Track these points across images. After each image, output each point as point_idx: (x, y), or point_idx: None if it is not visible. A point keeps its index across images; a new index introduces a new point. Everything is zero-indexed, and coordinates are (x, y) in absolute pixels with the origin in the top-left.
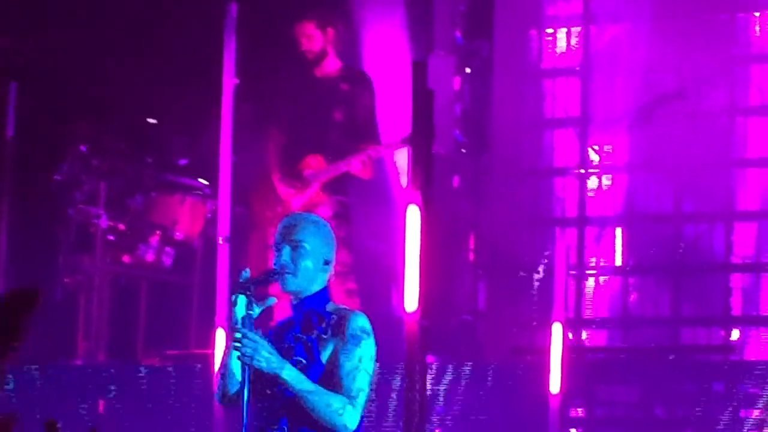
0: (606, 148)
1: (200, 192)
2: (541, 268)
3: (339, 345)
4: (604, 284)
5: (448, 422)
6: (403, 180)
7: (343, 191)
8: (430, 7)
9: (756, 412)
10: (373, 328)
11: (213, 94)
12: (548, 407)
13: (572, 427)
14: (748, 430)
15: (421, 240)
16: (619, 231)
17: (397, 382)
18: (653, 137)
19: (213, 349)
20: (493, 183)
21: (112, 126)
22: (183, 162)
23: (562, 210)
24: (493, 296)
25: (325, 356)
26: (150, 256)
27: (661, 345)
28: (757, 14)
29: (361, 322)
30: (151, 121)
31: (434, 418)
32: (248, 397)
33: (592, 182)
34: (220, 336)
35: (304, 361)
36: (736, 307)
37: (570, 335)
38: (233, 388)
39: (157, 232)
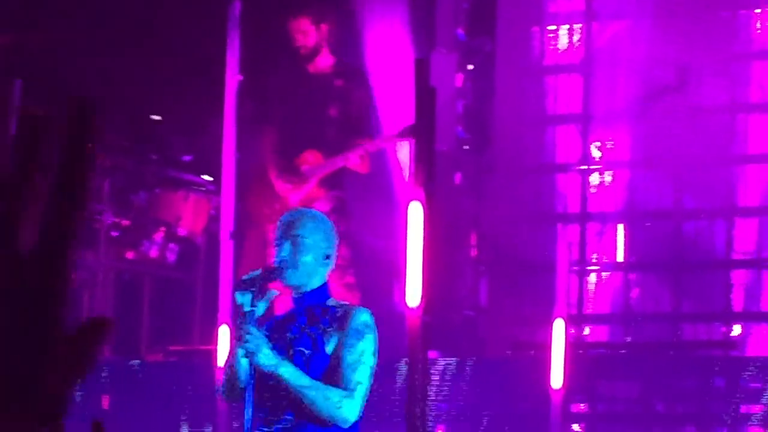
0: (608, 144)
1: (204, 188)
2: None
3: (343, 338)
4: (606, 280)
5: (449, 417)
6: (406, 176)
7: (340, 186)
8: (432, 4)
9: (757, 408)
10: (376, 324)
11: (216, 91)
12: (550, 402)
13: (574, 423)
14: (749, 425)
15: (424, 236)
16: (620, 227)
17: (399, 377)
18: (654, 134)
19: (216, 344)
20: (495, 179)
21: (115, 123)
22: (186, 158)
23: (564, 206)
24: (495, 292)
25: (329, 348)
26: (154, 252)
27: (662, 341)
28: (758, 11)
29: (364, 317)
30: (155, 117)
31: (436, 414)
32: (253, 391)
33: (594, 179)
34: (224, 332)
35: (308, 352)
36: (737, 303)
37: (572, 331)
38: (241, 385)
39: (161, 228)
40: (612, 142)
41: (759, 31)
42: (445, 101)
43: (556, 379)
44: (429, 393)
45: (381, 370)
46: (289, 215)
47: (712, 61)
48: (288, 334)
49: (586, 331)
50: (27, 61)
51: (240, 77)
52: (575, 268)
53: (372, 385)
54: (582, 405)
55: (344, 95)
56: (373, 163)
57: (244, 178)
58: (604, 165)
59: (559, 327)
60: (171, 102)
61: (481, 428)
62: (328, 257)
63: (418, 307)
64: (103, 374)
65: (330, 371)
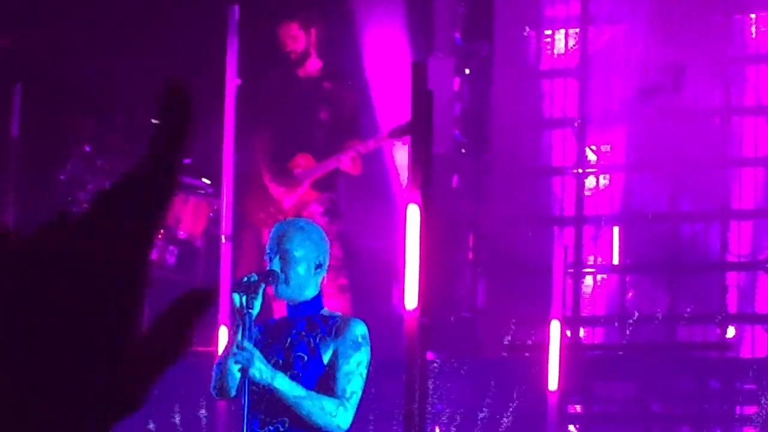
0: (603, 147)
1: (203, 191)
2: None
3: (339, 348)
4: (602, 282)
5: (447, 419)
6: (403, 179)
7: (332, 188)
8: (429, 8)
9: (752, 409)
10: (374, 326)
11: (215, 94)
12: (546, 404)
13: (570, 424)
14: (744, 426)
15: (421, 238)
16: (616, 230)
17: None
18: (650, 137)
19: (216, 346)
20: (492, 182)
21: (115, 126)
22: (186, 161)
23: (561, 209)
24: (492, 294)
25: (326, 357)
26: (153, 255)
27: (657, 342)
28: (752, 16)
29: (362, 330)
30: (155, 121)
31: (434, 414)
32: (249, 397)
33: (590, 181)
34: (223, 333)
35: (305, 357)
36: (732, 305)
37: (568, 333)
38: (233, 386)
39: (161, 231)
40: (608, 146)
41: (754, 36)
42: (442, 104)
43: (553, 380)
44: (427, 393)
45: (380, 370)
46: (277, 229)
47: (707, 65)
48: (287, 339)
49: (582, 332)
50: (27, 63)
51: (239, 81)
52: (571, 270)
53: (369, 387)
54: (578, 406)
55: (333, 97)
56: (371, 166)
57: (241, 181)
58: (600, 168)
59: (555, 328)
60: None
61: (478, 429)
62: (319, 266)
63: (415, 309)
64: None
65: (325, 379)
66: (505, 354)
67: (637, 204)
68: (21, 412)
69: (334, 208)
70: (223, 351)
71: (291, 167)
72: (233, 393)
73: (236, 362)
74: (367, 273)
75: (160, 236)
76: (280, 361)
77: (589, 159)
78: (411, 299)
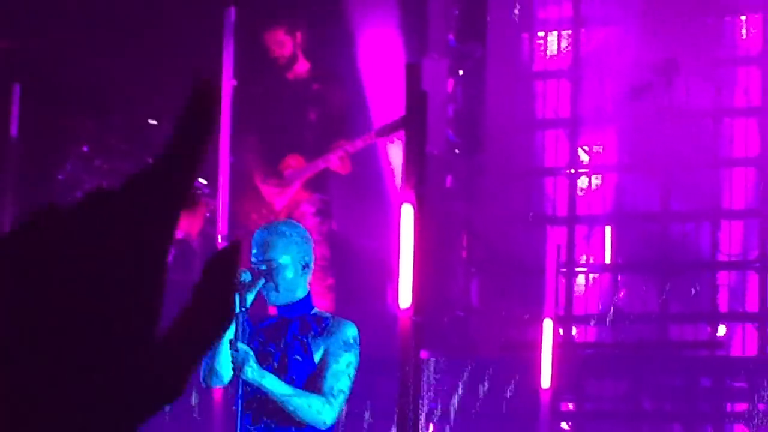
0: (595, 148)
1: (199, 191)
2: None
3: (330, 347)
4: (594, 281)
5: (440, 416)
6: (397, 179)
7: (323, 188)
8: (424, 10)
9: (741, 406)
10: (369, 324)
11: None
12: (539, 401)
13: (563, 421)
14: (734, 423)
15: (415, 238)
16: (608, 229)
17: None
18: (642, 138)
19: None
20: (486, 182)
21: (113, 127)
22: None
23: (553, 209)
24: (486, 293)
25: (317, 357)
26: None
27: (649, 341)
28: (743, 18)
29: (353, 332)
30: (152, 122)
31: (428, 412)
32: (242, 395)
33: (582, 182)
34: None
35: (300, 359)
36: (723, 304)
37: (560, 331)
38: (223, 375)
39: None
40: (600, 146)
41: (744, 37)
42: (436, 105)
43: (546, 378)
44: (420, 392)
45: (374, 368)
46: (259, 237)
47: (698, 66)
48: (282, 342)
49: (575, 331)
50: (26, 64)
51: (234, 82)
52: (564, 269)
53: (364, 386)
54: (570, 404)
55: (322, 98)
56: (365, 166)
57: (237, 181)
58: (592, 168)
59: (548, 327)
60: (168, 106)
61: (472, 427)
62: (306, 266)
63: (409, 308)
64: None
65: (314, 376)
66: (498, 352)
67: (628, 204)
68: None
69: (325, 208)
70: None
71: (281, 168)
72: (224, 381)
73: (231, 362)
74: (361, 272)
75: None
76: (276, 364)
77: (581, 159)
78: (405, 298)
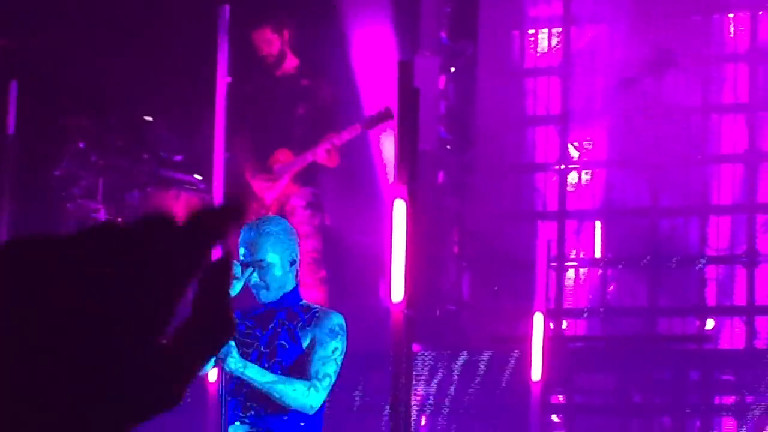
0: (585, 144)
1: (195, 187)
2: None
3: (317, 335)
4: (584, 276)
5: (432, 408)
6: (390, 173)
7: (313, 182)
8: (416, 8)
9: (729, 399)
10: (362, 318)
11: (206, 92)
12: (530, 394)
13: (553, 413)
14: (722, 415)
15: (407, 233)
16: (598, 224)
17: (384, 369)
18: (631, 134)
19: None
20: (477, 178)
21: (109, 123)
22: (178, 158)
23: (543, 204)
24: (477, 287)
25: (305, 343)
26: None
27: (638, 334)
28: (731, 16)
29: (339, 320)
30: (147, 118)
31: (420, 404)
32: (229, 385)
33: (572, 177)
34: None
35: (287, 345)
36: (711, 298)
37: (551, 325)
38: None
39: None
40: (590, 142)
41: (732, 35)
42: (428, 102)
43: (536, 371)
44: (412, 384)
45: (367, 361)
46: (246, 235)
47: (687, 64)
48: (269, 329)
49: (565, 324)
50: (23, 61)
51: (229, 79)
52: (554, 264)
53: (357, 378)
54: (561, 396)
55: (310, 93)
56: (359, 160)
57: (232, 177)
58: (582, 164)
59: (538, 321)
60: (163, 103)
61: (463, 419)
62: (293, 262)
63: (402, 302)
64: None
65: (301, 361)
66: (489, 345)
67: (618, 199)
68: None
69: (315, 201)
70: None
71: (271, 163)
72: (205, 369)
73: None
74: (354, 267)
75: None
76: (263, 349)
77: (571, 155)
78: (397, 292)
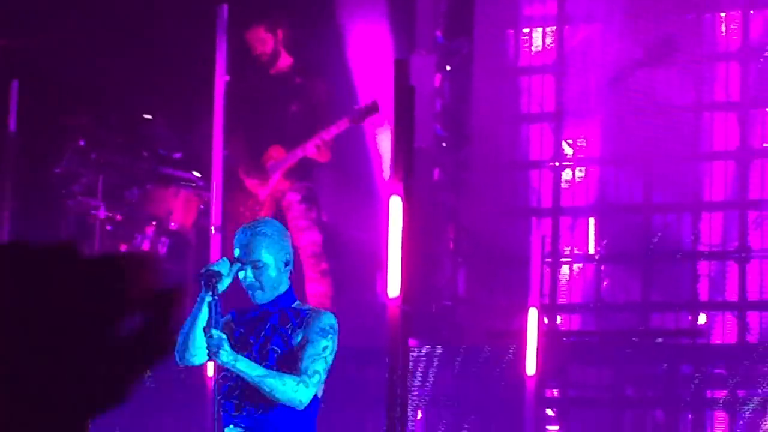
0: (579, 141)
1: (193, 184)
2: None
3: (308, 335)
4: (578, 271)
5: (428, 402)
6: (386, 172)
7: (308, 177)
8: (412, 8)
9: (721, 393)
10: (359, 313)
11: (205, 91)
12: (525, 388)
13: (547, 407)
14: (713, 409)
15: (404, 229)
16: (591, 221)
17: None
18: (624, 131)
19: None
20: (472, 175)
21: (109, 121)
22: (177, 156)
23: (538, 201)
24: (472, 283)
25: (296, 342)
26: (146, 245)
27: (631, 329)
28: (722, 15)
29: (330, 320)
30: (147, 116)
31: (416, 399)
32: (223, 384)
33: (567, 174)
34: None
35: (279, 351)
36: (703, 293)
37: (545, 320)
38: (195, 354)
39: (153, 222)
40: (583, 140)
41: (723, 34)
42: (424, 100)
43: (531, 365)
44: (409, 378)
45: (364, 356)
46: (243, 236)
47: (679, 62)
48: (262, 332)
49: (559, 319)
50: (24, 61)
51: (227, 78)
52: (548, 259)
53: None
54: (555, 390)
55: (304, 91)
56: (354, 156)
57: (230, 174)
58: (576, 161)
59: (533, 316)
60: (162, 102)
61: (459, 412)
62: (287, 263)
63: (398, 297)
64: None
65: (292, 360)
66: (484, 340)
67: (611, 196)
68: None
69: (310, 195)
70: (188, 319)
71: (264, 160)
72: (196, 361)
73: (207, 348)
74: (351, 263)
75: (152, 228)
76: (255, 354)
77: (565, 152)
78: (394, 288)
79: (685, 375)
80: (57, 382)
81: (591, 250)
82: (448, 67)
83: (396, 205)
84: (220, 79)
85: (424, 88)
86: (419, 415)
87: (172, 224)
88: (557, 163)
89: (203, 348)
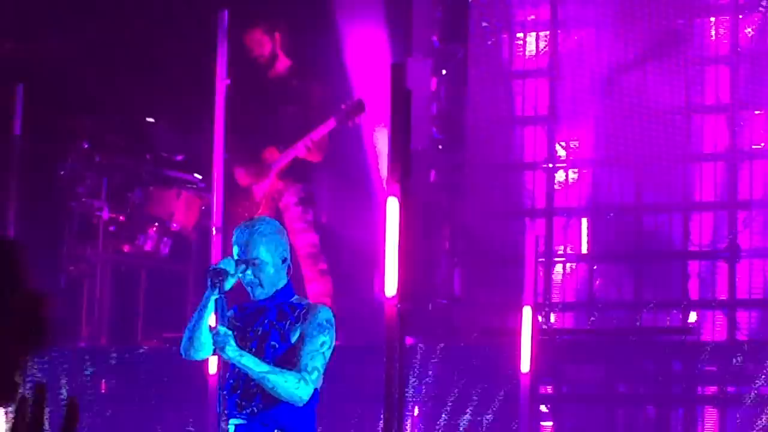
0: (572, 143)
1: (195, 186)
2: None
3: (306, 330)
4: (571, 271)
5: (425, 400)
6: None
7: (305, 179)
8: (408, 13)
9: (712, 389)
10: (357, 312)
11: (206, 93)
12: (519, 385)
13: (541, 404)
14: (704, 405)
15: (401, 230)
16: (584, 221)
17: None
18: (616, 134)
19: None
20: (468, 176)
21: (112, 124)
22: (179, 158)
23: (532, 201)
24: (468, 282)
25: (294, 338)
26: (148, 246)
27: (624, 327)
28: (712, 19)
29: (327, 315)
30: (149, 119)
31: (412, 396)
32: (227, 383)
33: (560, 176)
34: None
35: (277, 346)
36: (693, 292)
37: (539, 318)
38: (200, 349)
39: (155, 223)
40: (576, 142)
41: (713, 38)
42: (420, 104)
43: (525, 362)
44: (405, 376)
45: (362, 353)
46: (241, 235)
47: (670, 66)
48: (260, 328)
49: (553, 318)
50: (28, 65)
51: (228, 81)
52: (542, 259)
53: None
54: (549, 387)
55: (301, 93)
56: (352, 156)
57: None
58: (569, 163)
59: (527, 314)
60: (164, 105)
61: (455, 409)
62: (284, 260)
63: (395, 296)
64: (102, 360)
65: (290, 355)
66: (480, 338)
67: (604, 197)
68: None
69: (307, 197)
70: (194, 315)
71: (259, 161)
72: (201, 356)
73: (213, 343)
74: (349, 262)
75: (155, 229)
76: (254, 350)
77: (558, 154)
78: (391, 287)
79: (676, 372)
80: None
81: (584, 250)
82: (443, 71)
83: (393, 206)
84: (221, 82)
85: (420, 92)
86: (416, 412)
87: (174, 225)
88: (551, 165)
89: (208, 343)
